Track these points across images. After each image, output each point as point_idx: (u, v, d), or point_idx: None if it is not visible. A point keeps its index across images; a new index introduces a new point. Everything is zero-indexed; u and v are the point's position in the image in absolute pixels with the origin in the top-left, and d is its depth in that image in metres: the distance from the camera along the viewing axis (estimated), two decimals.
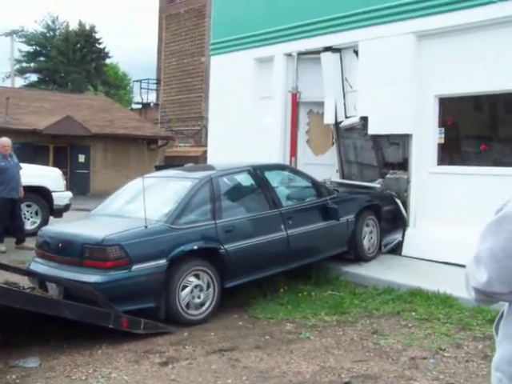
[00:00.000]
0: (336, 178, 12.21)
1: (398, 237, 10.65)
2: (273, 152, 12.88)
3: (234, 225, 7.98)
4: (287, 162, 12.56)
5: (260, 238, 8.20)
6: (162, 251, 7.19)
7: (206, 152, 17.22)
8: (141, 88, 39.41)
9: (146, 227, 7.17)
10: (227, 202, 8.32)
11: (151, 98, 40.66)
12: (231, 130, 14.02)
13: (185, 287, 7.33)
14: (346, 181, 11.96)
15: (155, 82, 39.47)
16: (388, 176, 11.19)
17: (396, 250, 10.56)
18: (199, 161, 25.20)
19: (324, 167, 12.53)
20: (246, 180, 8.96)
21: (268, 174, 9.02)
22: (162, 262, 7.12)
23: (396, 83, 10.66)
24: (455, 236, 9.57)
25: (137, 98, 42.87)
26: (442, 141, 10.50)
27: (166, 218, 7.48)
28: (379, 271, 9.38)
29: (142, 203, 7.17)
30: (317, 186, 9.49)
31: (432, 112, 10.47)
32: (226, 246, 7.75)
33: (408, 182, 10.81)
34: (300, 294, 8.51)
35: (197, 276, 7.48)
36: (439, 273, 9.17)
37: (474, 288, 2.00)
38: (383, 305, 7.92)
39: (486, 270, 1.93)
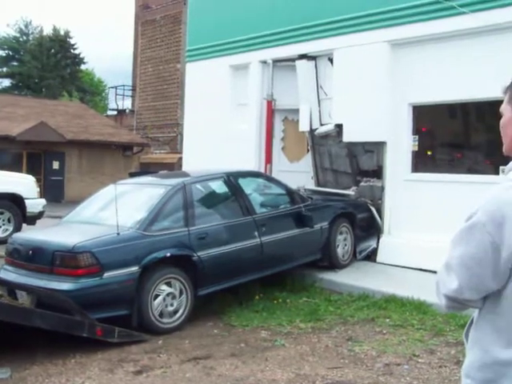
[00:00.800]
0: (311, 185, 12.23)
1: (372, 244, 10.69)
2: (248, 159, 12.86)
3: (207, 232, 7.96)
4: (262, 169, 12.56)
5: (233, 246, 8.19)
6: (135, 258, 7.16)
7: (181, 159, 17.15)
8: (116, 94, 39.23)
9: (118, 234, 7.13)
10: (200, 209, 8.30)
11: (127, 104, 40.52)
12: (207, 137, 14.00)
13: (157, 296, 7.30)
14: (320, 188, 11.99)
15: (131, 88, 39.30)
16: (362, 184, 11.25)
17: (371, 256, 10.59)
18: (175, 168, 25.08)
19: (299, 174, 12.53)
20: (219, 187, 8.95)
21: (242, 181, 9.02)
22: (135, 269, 7.09)
23: (371, 91, 10.72)
24: (429, 242, 9.61)
25: (112, 105, 42.73)
26: (416, 148, 10.57)
27: (139, 224, 7.45)
28: (354, 278, 9.39)
29: (114, 210, 7.15)
30: (291, 194, 9.50)
31: (406, 120, 10.55)
32: (199, 254, 7.74)
33: (382, 189, 10.87)
34: (275, 301, 8.51)
35: (169, 284, 7.45)
36: (413, 279, 9.21)
37: (445, 295, 2.01)
38: (358, 311, 7.94)
39: (456, 278, 1.94)
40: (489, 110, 9.75)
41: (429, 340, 6.72)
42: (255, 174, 10.24)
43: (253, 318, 7.87)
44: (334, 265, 9.84)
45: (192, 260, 7.69)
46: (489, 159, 10.21)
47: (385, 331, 7.12)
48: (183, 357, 6.44)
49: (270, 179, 10.18)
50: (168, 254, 7.46)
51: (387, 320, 7.51)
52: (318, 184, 12.30)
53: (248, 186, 9.17)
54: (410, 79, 10.43)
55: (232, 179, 8.84)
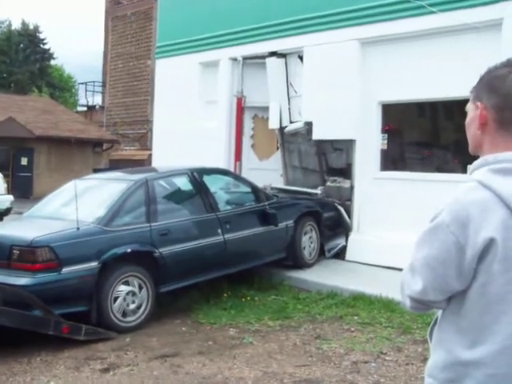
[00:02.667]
0: (280, 183, 12.24)
1: (341, 242, 10.71)
2: (218, 156, 12.84)
3: (169, 228, 7.92)
4: (232, 167, 12.55)
5: (196, 242, 8.17)
6: (94, 254, 7.09)
7: (151, 156, 17.08)
8: (86, 90, 38.87)
9: (77, 229, 7.06)
10: (163, 205, 8.28)
11: (97, 100, 40.12)
12: (176, 134, 13.94)
13: (117, 297, 7.23)
14: (286, 187, 11.99)
15: (101, 84, 38.95)
16: (328, 184, 11.27)
17: (340, 254, 10.60)
18: (145, 165, 24.95)
19: (269, 172, 12.57)
20: (183, 183, 8.94)
21: (206, 178, 9.02)
22: (94, 264, 7.01)
23: (340, 89, 10.72)
24: (398, 240, 9.45)
25: (82, 101, 42.41)
26: (385, 147, 10.61)
27: (100, 220, 7.40)
28: (323, 276, 9.40)
29: (75, 205, 7.08)
30: (256, 192, 9.48)
31: (375, 118, 10.58)
32: (160, 250, 7.69)
33: (351, 188, 10.89)
34: (243, 299, 8.51)
35: (127, 282, 7.38)
36: (382, 277, 9.22)
37: (409, 296, 1.99)
38: (326, 309, 7.96)
39: (420, 279, 1.92)
40: (457, 108, 9.79)
41: (396, 338, 6.75)
42: (220, 171, 10.19)
43: (221, 315, 7.85)
44: (299, 264, 9.82)
45: (153, 256, 7.64)
46: (457, 158, 10.33)
47: (353, 329, 7.15)
48: (150, 354, 6.40)
49: (235, 176, 10.20)
50: (128, 250, 7.42)
51: (355, 318, 7.54)
52: (287, 182, 12.31)
53: (212, 183, 9.16)
54: (379, 77, 10.46)
55: (196, 176, 8.81)
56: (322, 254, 10.45)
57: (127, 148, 32.92)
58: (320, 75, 11.12)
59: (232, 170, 12.18)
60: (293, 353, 6.41)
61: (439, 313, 2.03)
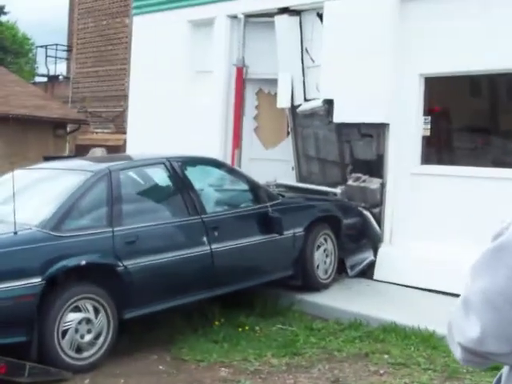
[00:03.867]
0: (291, 178, 12.25)
1: (368, 256, 10.69)
2: (211, 143, 12.86)
3: (138, 234, 7.79)
4: (229, 156, 12.64)
5: (174, 254, 8.04)
6: (37, 267, 6.90)
7: None
8: (46, 56, 38.85)
9: (15, 233, 6.90)
10: (130, 205, 8.18)
11: (60, 69, 40.16)
12: (158, 113, 14.01)
13: (68, 328, 7.04)
14: (296, 184, 12.04)
15: (66, 49, 39.05)
16: (349, 183, 11.19)
17: (366, 273, 10.59)
18: (121, 151, 24.98)
19: (276, 164, 12.61)
20: (159, 176, 8.87)
21: (190, 170, 8.96)
22: (36, 281, 6.80)
23: (370, 57, 10.66)
24: (442, 256, 9.63)
25: (41, 69, 42.46)
26: (428, 133, 10.53)
27: (45, 222, 7.23)
28: (343, 300, 9.37)
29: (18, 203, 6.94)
30: (255, 189, 9.42)
31: (416, 96, 10.49)
32: (125, 263, 7.54)
33: (382, 186, 10.84)
34: (240, 329, 8.45)
35: (77, 308, 7.20)
36: (421, 303, 9.20)
37: (461, 345, 1.83)
38: (347, 344, 7.89)
39: (477, 321, 1.77)
40: None
41: None
42: (209, 162, 10.05)
43: (210, 350, 7.78)
44: (309, 284, 9.78)
45: (116, 271, 7.49)
46: None
47: (382, 371, 7.07)
48: None
49: (228, 169, 10.11)
50: (83, 262, 7.23)
51: (385, 356, 7.47)
52: (301, 177, 12.30)
53: (198, 177, 9.08)
54: (422, 42, 10.37)
55: (177, 167, 8.71)
56: (342, 271, 10.43)
57: (98, 130, 32.97)
58: (344, 39, 11.06)
59: (229, 160, 12.20)
60: None
61: (504, 369, 1.90)
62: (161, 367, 7.38)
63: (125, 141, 24.62)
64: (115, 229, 7.62)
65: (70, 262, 7.16)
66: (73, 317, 7.09)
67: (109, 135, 31.59)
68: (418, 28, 10.44)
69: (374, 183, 10.89)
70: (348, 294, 9.74)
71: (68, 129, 30.73)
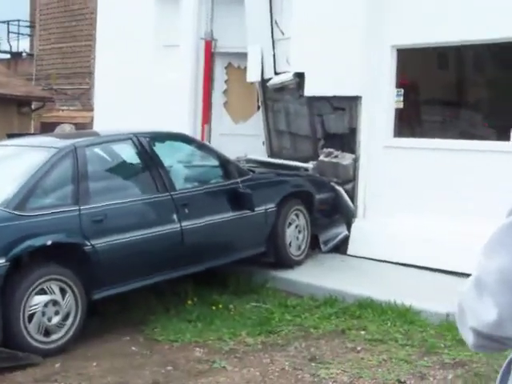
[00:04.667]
0: (262, 153, 12.24)
1: (342, 231, 10.67)
2: (180, 118, 12.82)
3: (105, 213, 7.68)
4: (198, 132, 12.64)
5: (143, 232, 7.95)
6: (0, 247, 6.77)
7: None
8: (9, 32, 38.52)
9: None
10: (97, 182, 8.05)
11: (23, 46, 39.80)
12: (125, 89, 13.91)
13: (34, 312, 6.92)
14: (266, 159, 12.01)
15: (29, 24, 38.66)
16: (321, 158, 11.13)
17: (340, 248, 10.58)
18: (88, 128, 24.87)
19: (246, 139, 12.57)
20: (126, 152, 8.74)
21: (159, 146, 8.87)
22: (0, 262, 6.71)
23: (342, 29, 10.60)
24: (417, 229, 9.67)
25: (4, 46, 41.94)
26: (401, 105, 10.52)
27: (8, 201, 7.09)
28: (318, 276, 9.35)
29: None
30: (225, 165, 9.34)
31: (388, 68, 10.45)
32: (93, 242, 7.43)
33: (355, 160, 10.81)
34: (214, 308, 8.43)
35: (44, 290, 7.09)
36: (396, 278, 9.22)
37: (474, 329, 1.73)
38: (323, 321, 7.88)
39: (494, 304, 1.66)
40: (492, 55, 9.71)
41: (418, 360, 6.65)
42: (178, 137, 9.97)
43: (184, 329, 7.73)
44: (282, 261, 9.76)
45: (83, 250, 7.38)
46: (488, 120, 10.39)
47: (359, 348, 7.05)
48: None
49: (198, 144, 10.03)
50: (49, 242, 7.09)
51: (362, 333, 7.47)
52: (272, 152, 12.30)
53: (166, 153, 8.97)
54: (394, 14, 10.29)
55: (144, 143, 8.62)
56: (316, 246, 10.41)
57: (64, 108, 32.82)
58: (315, 10, 10.97)
59: (198, 135, 12.19)
60: (280, 381, 6.30)
61: None
62: (133, 348, 7.31)
63: (92, 118, 24.52)
64: (82, 207, 7.51)
65: (36, 242, 7.05)
66: (39, 300, 6.98)
67: (75, 112, 31.51)
68: None
69: (346, 159, 10.83)
70: (322, 269, 9.72)
71: (33, 106, 30.50)
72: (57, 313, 7.10)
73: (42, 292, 7.03)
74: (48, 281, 7.08)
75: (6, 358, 6.55)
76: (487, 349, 1.79)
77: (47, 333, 7.03)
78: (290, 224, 9.82)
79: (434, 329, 7.34)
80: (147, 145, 8.64)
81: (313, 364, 6.63)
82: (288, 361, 6.75)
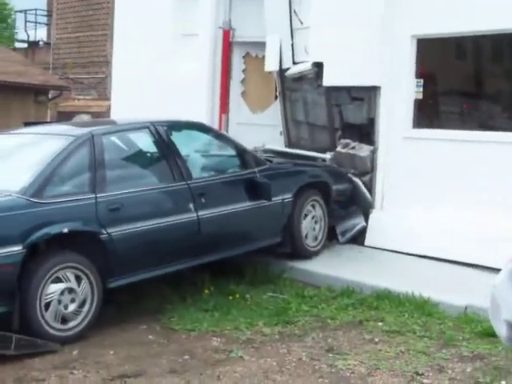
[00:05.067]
0: (279, 143, 12.21)
1: (359, 222, 10.64)
2: (198, 108, 12.78)
3: (122, 201, 7.66)
4: (216, 121, 12.68)
5: (159, 221, 7.93)
6: (17, 235, 6.76)
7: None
8: (26, 21, 38.60)
9: None
10: (114, 170, 8.01)
11: (40, 35, 39.87)
12: (142, 79, 13.90)
13: (50, 301, 6.91)
14: (284, 149, 11.96)
15: (46, 14, 38.70)
16: (339, 149, 11.07)
17: (358, 239, 10.55)
18: (103, 118, 24.92)
19: (264, 128, 12.60)
20: (143, 141, 8.71)
21: (176, 135, 8.82)
22: (17, 249, 6.67)
23: (361, 18, 10.55)
24: (434, 220, 9.63)
25: (21, 35, 42.08)
26: (420, 96, 10.45)
27: (26, 188, 7.06)
28: (335, 267, 9.32)
29: None
30: (243, 154, 9.30)
31: (408, 58, 10.38)
32: (109, 230, 7.42)
33: (374, 151, 10.75)
34: (231, 297, 8.38)
35: (60, 278, 7.07)
36: (413, 269, 9.19)
37: (508, 322, 1.69)
38: (341, 312, 7.84)
39: None
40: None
41: (436, 352, 6.59)
42: (195, 126, 9.90)
43: (201, 319, 7.69)
44: (298, 252, 9.71)
45: (100, 239, 7.37)
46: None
47: (377, 339, 7.00)
48: (105, 374, 6.20)
49: (215, 134, 9.98)
50: (65, 230, 7.08)
51: (380, 324, 7.43)
52: (289, 142, 12.28)
53: (184, 142, 8.92)
54: (413, 2, 10.25)
55: (161, 131, 8.56)
56: (333, 237, 10.39)
57: (80, 97, 32.89)
58: (335, 0, 10.94)
59: (216, 124, 12.18)
60: (297, 372, 6.26)
61: None
62: (150, 337, 7.28)
63: (108, 107, 24.59)
64: (98, 195, 7.48)
65: (52, 230, 7.02)
66: (55, 288, 6.96)
67: (91, 102, 31.59)
68: None
69: (363, 150, 10.78)
70: (339, 260, 9.70)
71: (49, 95, 30.56)
72: (73, 300, 7.08)
73: (58, 280, 7.02)
74: (64, 269, 7.07)
75: (25, 345, 6.54)
76: None
77: (64, 320, 7.02)
78: (307, 215, 9.79)
79: (452, 321, 7.28)
80: (164, 133, 8.59)
81: (330, 355, 6.58)
82: (305, 351, 6.71)
